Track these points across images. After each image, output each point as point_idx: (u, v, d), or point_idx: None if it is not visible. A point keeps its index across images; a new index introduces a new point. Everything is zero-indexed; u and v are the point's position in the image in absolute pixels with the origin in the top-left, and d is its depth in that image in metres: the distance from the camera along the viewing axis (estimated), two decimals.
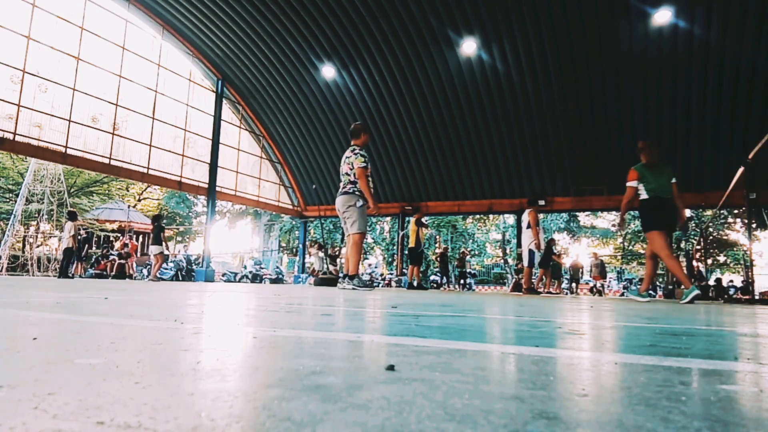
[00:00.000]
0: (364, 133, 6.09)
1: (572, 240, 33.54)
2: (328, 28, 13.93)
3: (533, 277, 10.10)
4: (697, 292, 5.20)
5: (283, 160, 19.61)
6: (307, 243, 17.64)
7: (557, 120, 14.63)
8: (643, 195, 5.43)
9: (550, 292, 11.65)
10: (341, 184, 6.05)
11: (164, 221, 12.78)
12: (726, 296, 10.01)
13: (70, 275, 12.57)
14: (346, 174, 5.94)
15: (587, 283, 19.93)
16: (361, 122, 6.33)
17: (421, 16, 12.95)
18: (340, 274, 8.32)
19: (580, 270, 18.08)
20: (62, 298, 2.51)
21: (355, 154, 5.86)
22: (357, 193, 5.86)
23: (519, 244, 13.32)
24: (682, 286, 5.73)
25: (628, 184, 5.51)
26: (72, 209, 14.43)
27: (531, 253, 9.14)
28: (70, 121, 12.66)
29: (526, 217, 9.27)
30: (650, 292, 5.75)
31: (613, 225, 32.43)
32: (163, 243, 11.95)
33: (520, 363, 0.83)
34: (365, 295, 4.15)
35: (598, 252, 18.46)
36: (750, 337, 1.49)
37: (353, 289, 5.69)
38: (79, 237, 13.58)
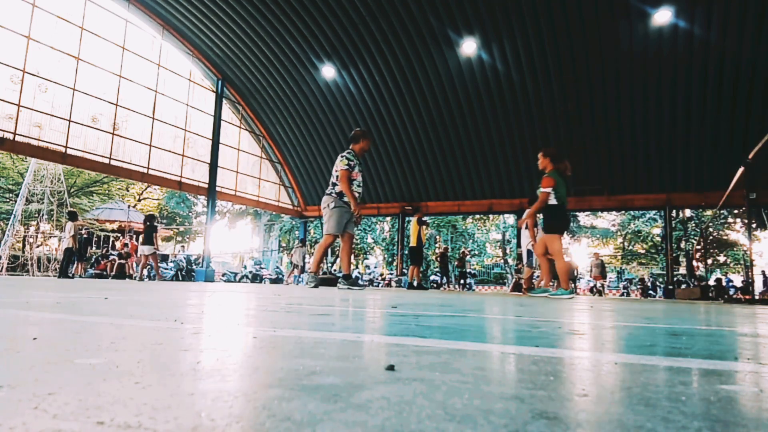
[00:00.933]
0: (363, 139, 6.04)
1: (572, 240, 33.52)
2: (328, 28, 13.93)
3: (533, 278, 10.09)
4: (572, 296, 5.60)
5: (283, 160, 19.61)
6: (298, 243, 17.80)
7: (557, 120, 14.63)
8: (552, 201, 5.77)
9: None
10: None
11: (157, 222, 12.79)
12: (726, 296, 10.02)
13: (70, 275, 12.57)
14: (332, 175, 6.04)
15: (587, 283, 19.93)
16: (363, 129, 6.40)
17: (421, 16, 12.95)
18: (339, 275, 8.50)
19: (576, 270, 18.07)
20: (62, 298, 2.51)
21: (341, 156, 5.90)
22: (334, 194, 5.87)
23: (519, 244, 13.32)
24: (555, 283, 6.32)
25: (546, 190, 5.72)
26: (72, 209, 14.42)
27: (530, 253, 9.16)
28: (70, 121, 12.65)
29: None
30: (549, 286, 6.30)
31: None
32: (155, 243, 11.98)
33: (520, 363, 0.83)
34: (363, 295, 4.15)
35: (599, 252, 18.43)
36: (750, 337, 1.49)
37: (305, 284, 6.38)
38: (80, 237, 13.58)
